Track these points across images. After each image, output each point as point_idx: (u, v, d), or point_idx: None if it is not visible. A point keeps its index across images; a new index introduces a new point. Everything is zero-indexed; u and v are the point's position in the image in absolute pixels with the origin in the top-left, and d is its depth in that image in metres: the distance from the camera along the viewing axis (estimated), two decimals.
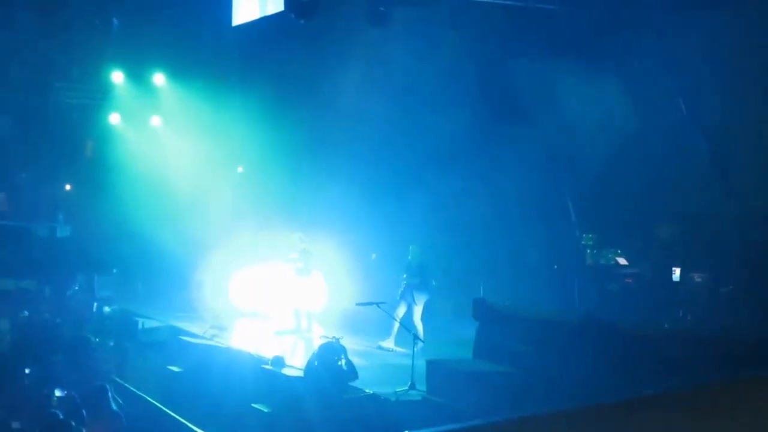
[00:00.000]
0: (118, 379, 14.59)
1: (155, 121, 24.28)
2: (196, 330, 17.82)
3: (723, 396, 2.20)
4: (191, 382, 14.93)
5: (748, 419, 2.08)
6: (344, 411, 11.93)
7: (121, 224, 23.24)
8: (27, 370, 13.06)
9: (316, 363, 12.85)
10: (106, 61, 22.39)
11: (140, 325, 18.62)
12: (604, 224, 17.52)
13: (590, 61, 16.20)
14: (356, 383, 12.63)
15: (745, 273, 14.77)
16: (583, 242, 17.38)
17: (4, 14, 19.63)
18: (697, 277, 15.69)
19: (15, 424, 10.17)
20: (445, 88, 17.78)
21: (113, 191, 23.82)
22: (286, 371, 13.65)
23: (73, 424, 9.37)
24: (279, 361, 13.82)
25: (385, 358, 15.10)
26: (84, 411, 10.03)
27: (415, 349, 12.80)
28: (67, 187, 26.86)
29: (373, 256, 19.97)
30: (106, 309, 20.14)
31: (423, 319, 15.60)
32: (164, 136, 24.11)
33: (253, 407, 12.87)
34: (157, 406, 13.99)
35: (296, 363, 14.16)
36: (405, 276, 15.84)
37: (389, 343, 15.59)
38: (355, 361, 13.14)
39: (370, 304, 14.12)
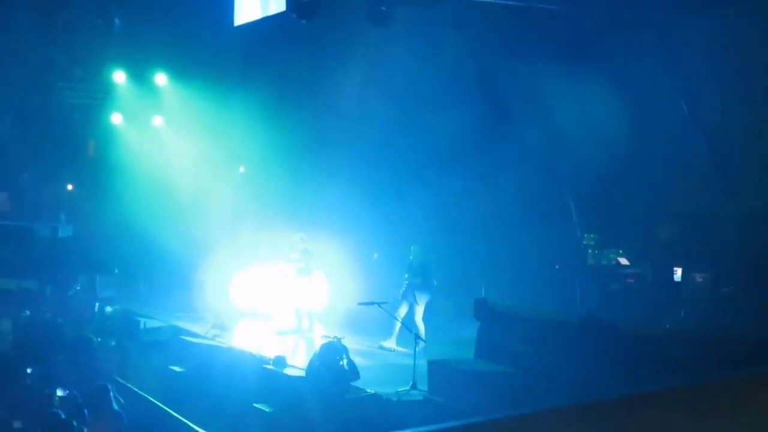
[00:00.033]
0: (119, 379, 14.61)
1: (157, 121, 24.29)
2: (198, 330, 17.82)
3: (723, 394, 2.20)
4: (193, 382, 14.94)
5: (749, 418, 2.08)
6: (346, 411, 11.94)
7: (122, 224, 23.24)
8: (29, 370, 13.09)
9: (317, 363, 12.86)
10: (108, 61, 22.42)
11: (142, 325, 18.62)
12: (606, 224, 17.53)
13: (591, 61, 16.21)
14: (358, 383, 12.63)
15: (746, 273, 14.77)
16: (584, 242, 17.39)
17: (7, 14, 19.66)
18: (699, 277, 15.70)
19: (17, 424, 10.19)
20: (446, 88, 17.79)
21: (115, 191, 23.83)
22: (288, 371, 13.65)
23: (75, 423, 9.39)
24: (280, 361, 13.83)
25: (387, 358, 15.10)
26: (86, 411, 10.05)
27: (417, 349, 12.79)
28: (69, 187, 26.87)
29: (375, 255, 19.99)
30: (108, 309, 20.15)
31: (424, 319, 15.60)
32: (166, 136, 24.11)
33: (255, 407, 12.88)
34: (158, 405, 13.99)
35: (298, 363, 14.16)
36: (406, 276, 15.84)
37: (391, 343, 15.59)
38: (357, 361, 13.14)
39: (372, 303, 14.14)
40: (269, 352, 14.89)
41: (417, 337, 13.29)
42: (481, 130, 17.93)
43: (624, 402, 2.31)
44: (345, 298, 17.88)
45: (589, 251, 17.29)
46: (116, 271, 23.80)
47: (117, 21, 18.61)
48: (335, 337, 13.39)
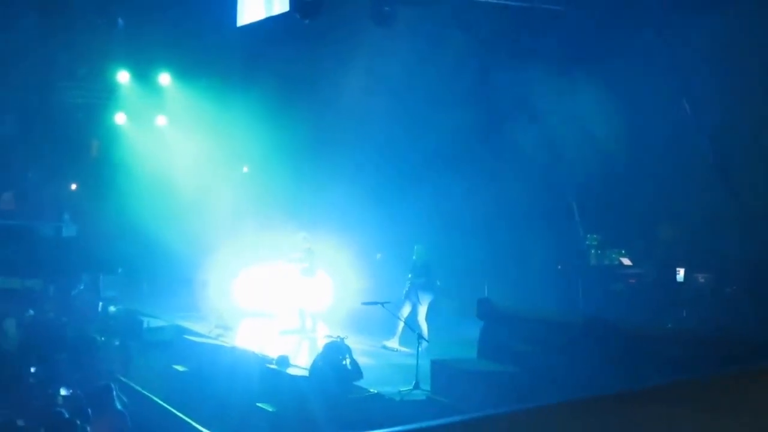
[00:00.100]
0: (123, 378, 14.63)
1: (161, 120, 24.31)
2: (201, 329, 17.85)
3: (726, 389, 2.21)
4: (196, 382, 14.95)
5: (751, 413, 2.09)
6: (349, 410, 11.95)
7: (126, 224, 23.27)
8: (32, 369, 13.13)
9: (320, 362, 12.87)
10: (112, 60, 22.43)
11: (145, 325, 18.65)
12: (608, 224, 17.53)
13: (593, 62, 16.21)
14: (361, 383, 12.65)
15: (749, 273, 14.76)
16: (587, 242, 17.39)
17: (10, 14, 19.67)
18: (701, 278, 15.69)
19: (20, 423, 10.20)
20: (449, 87, 17.79)
21: (119, 191, 23.86)
22: (291, 371, 13.67)
23: (79, 422, 9.40)
24: (284, 361, 13.84)
25: (390, 358, 15.12)
26: (89, 410, 10.06)
27: (420, 348, 12.81)
28: (73, 186, 26.93)
29: (378, 255, 20.00)
30: (111, 308, 20.16)
31: (427, 318, 15.62)
32: (170, 136, 24.13)
33: (258, 407, 12.89)
34: (161, 405, 14.01)
35: (301, 362, 14.19)
36: (410, 276, 15.86)
37: (394, 343, 15.60)
38: (360, 360, 13.16)
39: (375, 303, 14.17)
40: (272, 351, 14.89)
41: (420, 336, 13.31)
42: (484, 130, 17.94)
43: (625, 397, 2.32)
44: (348, 298, 17.90)
45: (592, 251, 17.29)
46: (120, 270, 23.84)
47: (120, 21, 18.59)
48: (338, 336, 13.41)
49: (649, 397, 2.25)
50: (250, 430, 12.79)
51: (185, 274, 21.84)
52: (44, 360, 13.69)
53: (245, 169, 24.85)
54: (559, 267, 17.86)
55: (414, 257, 16.06)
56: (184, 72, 22.48)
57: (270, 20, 16.64)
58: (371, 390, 12.41)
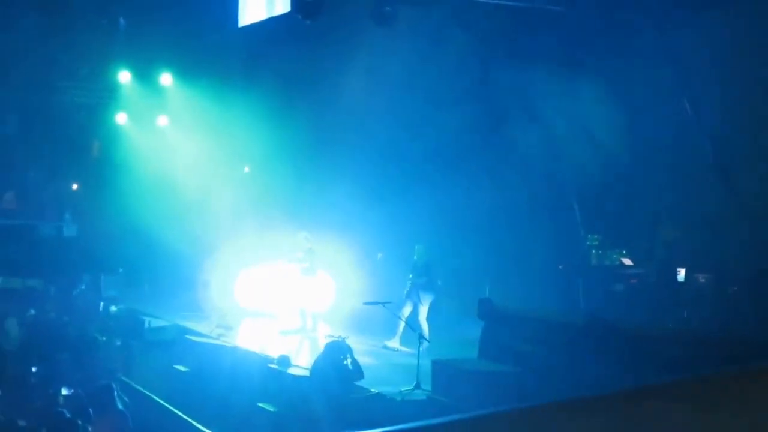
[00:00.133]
0: (124, 378, 14.64)
1: (162, 120, 24.32)
2: (203, 329, 17.85)
3: (726, 387, 2.22)
4: (197, 382, 14.96)
5: (751, 413, 2.10)
6: (350, 410, 11.96)
7: (127, 224, 23.28)
8: (34, 369, 13.13)
9: (322, 362, 12.88)
10: (113, 60, 22.43)
11: (146, 324, 18.64)
12: (609, 225, 17.54)
13: (595, 62, 16.22)
14: (362, 382, 12.65)
15: (750, 273, 14.77)
16: (588, 242, 17.40)
17: (11, 14, 19.69)
18: (702, 278, 15.70)
19: (22, 423, 10.21)
20: (450, 87, 17.79)
21: (120, 191, 23.86)
22: (292, 371, 13.67)
23: (80, 422, 9.41)
24: (285, 361, 13.85)
25: (391, 358, 15.13)
26: (90, 410, 10.07)
27: (421, 348, 12.82)
28: (74, 186, 26.94)
29: (379, 255, 20.00)
30: (113, 308, 20.16)
31: (428, 318, 15.63)
32: (171, 136, 24.14)
33: (259, 406, 12.90)
34: (163, 405, 14.03)
35: (302, 362, 14.20)
36: (411, 276, 15.87)
37: (395, 343, 15.61)
38: (361, 360, 13.16)
39: (376, 303, 14.18)
40: (274, 351, 14.90)
41: (421, 336, 13.32)
42: (485, 130, 17.95)
43: (625, 396, 2.33)
44: (349, 298, 17.91)
45: (593, 251, 17.31)
46: (121, 270, 23.87)
47: (122, 20, 18.61)
48: (339, 336, 13.42)
49: (649, 396, 2.26)
50: (252, 430, 12.80)
51: (186, 273, 21.86)
52: (45, 360, 13.70)
53: (246, 169, 24.86)
54: (560, 267, 17.88)
55: (415, 257, 16.07)
56: (185, 72, 22.47)
57: (271, 20, 16.65)
58: (372, 390, 12.41)
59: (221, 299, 19.61)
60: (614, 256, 17.17)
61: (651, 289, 16.46)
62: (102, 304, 20.43)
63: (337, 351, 12.87)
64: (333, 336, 13.84)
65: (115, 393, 10.83)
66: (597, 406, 2.31)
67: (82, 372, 13.12)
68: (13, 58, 21.33)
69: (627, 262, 17.08)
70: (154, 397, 14.37)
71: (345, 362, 12.70)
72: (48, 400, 11.11)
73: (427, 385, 12.24)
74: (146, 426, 11.54)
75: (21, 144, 24.58)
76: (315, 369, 12.97)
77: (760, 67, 14.23)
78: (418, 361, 12.42)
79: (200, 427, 12.77)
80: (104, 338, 16.52)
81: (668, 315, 15.42)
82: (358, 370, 12.76)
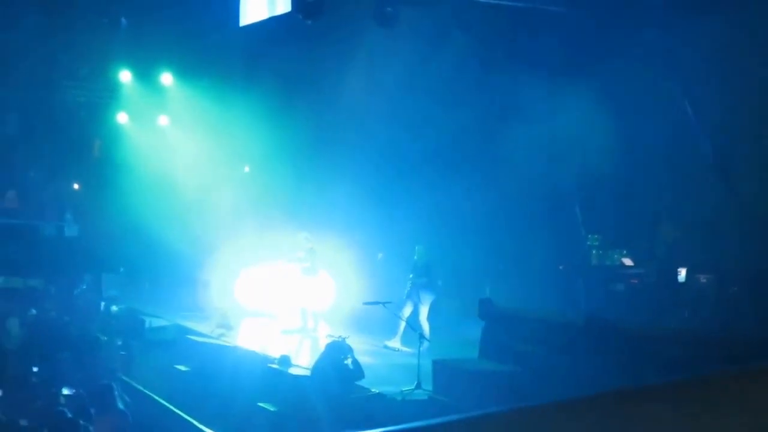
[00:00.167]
0: (124, 378, 14.65)
1: (163, 120, 24.34)
2: (203, 329, 17.86)
3: (726, 387, 2.22)
4: (198, 381, 14.96)
5: (751, 413, 2.10)
6: (350, 410, 11.96)
7: (128, 223, 23.30)
8: (35, 369, 13.14)
9: (322, 362, 12.89)
10: (114, 60, 22.45)
11: (147, 324, 18.66)
12: (610, 225, 17.54)
13: (595, 62, 16.21)
14: (362, 382, 12.66)
15: (751, 274, 14.77)
16: (588, 243, 17.40)
17: (12, 13, 19.70)
18: (703, 278, 15.70)
19: (23, 422, 10.22)
20: (451, 87, 17.79)
21: (121, 190, 23.88)
22: (293, 370, 13.68)
23: (81, 422, 9.41)
24: (285, 361, 13.86)
25: (391, 358, 15.13)
26: (91, 409, 10.08)
27: (421, 348, 12.84)
28: (75, 186, 26.95)
29: (380, 255, 20.01)
30: (113, 308, 20.18)
31: (429, 318, 15.64)
32: (171, 136, 24.16)
33: (260, 406, 12.90)
34: (163, 404, 14.02)
35: (303, 362, 14.20)
36: (411, 276, 15.89)
37: (395, 343, 15.62)
38: (362, 360, 13.16)
39: (377, 303, 14.19)
40: (274, 351, 14.92)
41: (421, 336, 13.33)
42: (485, 130, 17.95)
43: (625, 396, 2.34)
44: (350, 298, 17.92)
45: (593, 252, 17.31)
46: (122, 270, 23.90)
47: (123, 20, 18.62)
48: (340, 336, 13.42)
49: (649, 396, 2.27)
50: (252, 429, 12.80)
51: (187, 273, 21.88)
52: (46, 359, 13.71)
53: (246, 169, 24.87)
54: (561, 267, 17.88)
55: (415, 257, 16.08)
56: (186, 72, 22.50)
57: (272, 20, 16.66)
58: (373, 390, 12.42)
59: (222, 299, 19.62)
60: (615, 256, 17.17)
61: (651, 289, 16.45)
62: (103, 303, 20.46)
63: (337, 351, 12.87)
64: (333, 336, 13.84)
65: (116, 393, 10.84)
66: (597, 406, 2.31)
67: (84, 371, 13.13)
68: (14, 58, 21.36)
69: (627, 262, 17.08)
70: (155, 397, 14.37)
71: (346, 362, 12.70)
72: (49, 400, 11.11)
73: (427, 385, 12.25)
74: (147, 425, 11.54)
75: (22, 143, 24.61)
76: (316, 369, 12.97)
77: (760, 67, 14.22)
78: (419, 361, 12.43)
79: (201, 426, 12.77)
80: (105, 338, 16.53)
81: (669, 315, 15.41)
82: (358, 370, 12.77)
